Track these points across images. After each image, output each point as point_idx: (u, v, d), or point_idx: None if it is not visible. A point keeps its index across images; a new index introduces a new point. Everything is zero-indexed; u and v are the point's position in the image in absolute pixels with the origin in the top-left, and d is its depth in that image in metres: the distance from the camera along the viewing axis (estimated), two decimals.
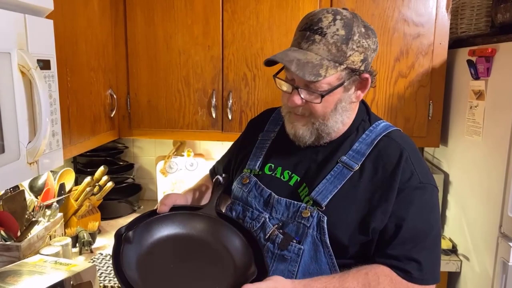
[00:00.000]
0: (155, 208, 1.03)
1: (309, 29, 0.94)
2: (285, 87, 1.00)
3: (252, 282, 0.84)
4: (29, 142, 1.06)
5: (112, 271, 1.56)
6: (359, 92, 1.01)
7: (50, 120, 1.14)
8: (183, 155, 2.24)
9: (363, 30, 0.95)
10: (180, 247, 0.95)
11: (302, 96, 0.96)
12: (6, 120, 0.97)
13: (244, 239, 0.96)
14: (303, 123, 1.00)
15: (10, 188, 1.55)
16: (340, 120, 1.01)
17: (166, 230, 0.96)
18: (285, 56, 0.93)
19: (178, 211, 1.00)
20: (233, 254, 0.94)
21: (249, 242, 0.95)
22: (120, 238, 0.89)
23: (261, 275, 0.87)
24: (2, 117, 0.95)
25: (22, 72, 1.02)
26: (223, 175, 1.13)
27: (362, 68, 0.97)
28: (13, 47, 0.99)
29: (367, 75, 0.98)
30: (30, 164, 1.07)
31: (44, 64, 1.12)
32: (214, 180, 1.12)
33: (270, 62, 0.98)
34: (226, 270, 0.90)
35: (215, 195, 1.06)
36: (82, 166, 2.16)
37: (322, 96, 0.95)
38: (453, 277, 1.80)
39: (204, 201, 1.21)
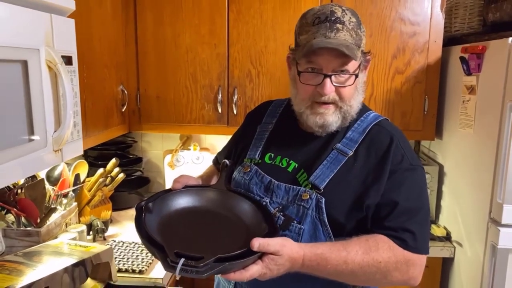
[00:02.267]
0: (169, 188, 1.13)
1: (327, 21, 1.03)
2: (313, 78, 1.06)
3: (264, 236, 0.92)
4: (55, 131, 1.15)
5: (125, 256, 1.66)
6: (364, 71, 1.12)
7: (73, 112, 1.24)
8: (189, 149, 2.34)
9: (359, 18, 1.08)
10: (195, 217, 1.04)
11: (334, 82, 1.04)
12: (35, 111, 1.06)
13: (252, 205, 1.06)
14: (332, 110, 1.08)
15: (29, 177, 1.65)
16: (359, 100, 1.11)
17: (181, 203, 1.06)
18: (327, 43, 1.00)
19: (191, 188, 1.10)
20: (243, 218, 1.04)
21: (257, 208, 1.05)
22: (141, 209, 0.98)
23: (273, 233, 0.96)
24: (32, 108, 1.05)
25: (49, 67, 1.11)
26: (229, 160, 1.23)
27: (366, 50, 1.10)
28: (41, 44, 1.09)
29: (369, 56, 1.11)
30: (56, 151, 1.17)
31: (67, 60, 1.21)
32: (221, 163, 1.21)
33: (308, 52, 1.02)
34: (239, 231, 1.00)
35: (223, 174, 1.16)
36: (93, 159, 2.25)
37: (356, 76, 1.05)
38: (447, 262, 1.90)
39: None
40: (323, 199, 1.04)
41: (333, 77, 1.04)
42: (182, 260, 0.81)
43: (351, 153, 1.08)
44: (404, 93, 1.97)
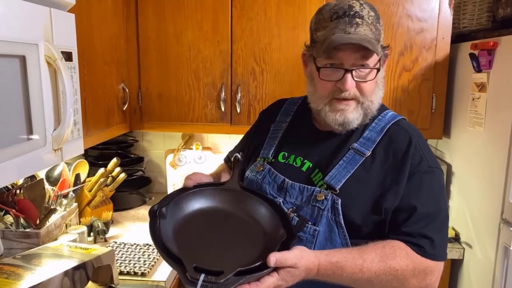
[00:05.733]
0: (181, 187, 1.08)
1: (346, 16, 0.98)
2: (334, 74, 1.01)
3: (281, 244, 0.89)
4: (54, 130, 1.11)
5: (127, 258, 1.61)
6: (384, 66, 1.08)
7: (73, 110, 1.20)
8: (191, 149, 2.30)
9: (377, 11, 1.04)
10: (210, 220, 1.00)
11: (355, 77, 1.00)
12: (34, 108, 1.02)
13: (269, 207, 1.01)
14: (353, 107, 1.03)
15: (28, 177, 1.61)
16: (380, 96, 1.07)
17: (195, 205, 1.01)
18: (349, 38, 0.96)
19: (204, 188, 1.06)
20: (260, 221, 0.99)
21: (274, 210, 1.00)
22: (154, 214, 0.94)
23: (290, 239, 0.92)
24: (31, 106, 1.01)
25: (48, 63, 1.07)
26: (240, 152, 1.19)
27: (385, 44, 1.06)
28: (40, 39, 1.04)
29: (388, 51, 1.07)
30: (55, 150, 1.12)
31: (67, 56, 1.17)
32: (233, 157, 1.16)
33: (330, 48, 0.98)
34: (257, 236, 0.96)
35: (236, 170, 1.11)
36: (94, 159, 2.21)
37: (378, 70, 1.01)
38: (456, 264, 1.86)
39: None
40: (339, 200, 1.00)
41: (354, 72, 1.00)
42: (203, 276, 0.78)
43: (368, 153, 1.04)
44: (411, 91, 1.93)
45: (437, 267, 0.98)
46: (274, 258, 0.83)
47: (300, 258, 0.87)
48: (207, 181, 1.10)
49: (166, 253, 0.85)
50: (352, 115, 1.03)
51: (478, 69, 1.66)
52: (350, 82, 0.99)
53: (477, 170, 1.71)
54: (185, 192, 1.03)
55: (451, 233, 1.85)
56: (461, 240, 1.84)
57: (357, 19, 0.98)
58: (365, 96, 1.03)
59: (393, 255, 0.94)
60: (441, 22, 1.88)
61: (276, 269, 0.85)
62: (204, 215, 1.00)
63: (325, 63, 1.02)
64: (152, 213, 0.95)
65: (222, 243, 0.94)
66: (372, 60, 1.01)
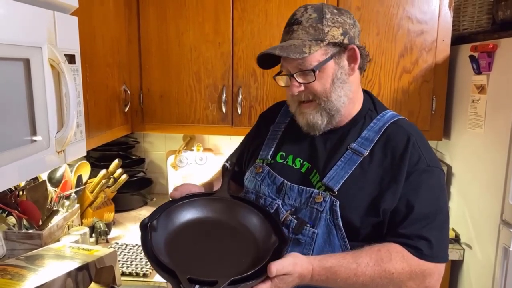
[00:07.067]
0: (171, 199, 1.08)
1: (288, 25, 1.05)
2: (284, 81, 1.08)
3: (274, 251, 0.89)
4: (57, 132, 1.12)
5: (129, 259, 1.62)
6: (352, 64, 1.06)
7: (76, 112, 1.21)
8: (192, 150, 2.31)
9: (335, 10, 1.04)
10: (201, 230, 1.00)
11: (298, 80, 1.03)
12: (38, 111, 1.03)
13: (260, 214, 1.01)
14: (311, 109, 1.06)
15: (30, 179, 1.62)
16: (343, 94, 1.05)
17: (186, 216, 1.01)
18: (270, 48, 1.02)
19: (194, 198, 1.06)
20: (252, 229, 0.99)
21: (265, 217, 1.01)
22: (145, 227, 0.94)
23: (283, 244, 0.92)
24: (35, 108, 1.02)
25: (51, 66, 1.08)
26: (229, 162, 1.19)
27: (346, 41, 1.03)
28: (44, 41, 1.05)
29: (353, 46, 1.05)
30: (59, 152, 1.13)
31: (70, 59, 1.18)
32: (222, 166, 1.17)
33: (260, 61, 1.07)
34: (248, 244, 0.96)
35: (225, 180, 1.11)
36: (95, 160, 2.22)
37: (314, 71, 1.01)
38: (456, 265, 1.86)
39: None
40: (338, 202, 1.01)
41: (297, 75, 1.03)
42: (197, 287, 0.79)
43: (366, 152, 1.04)
44: (412, 92, 1.94)
45: (437, 269, 0.97)
46: (274, 268, 0.83)
47: (294, 265, 0.87)
48: (197, 192, 1.10)
49: (160, 266, 0.85)
50: (313, 117, 1.06)
51: (478, 71, 1.67)
52: (293, 86, 1.04)
53: (477, 172, 1.72)
54: (175, 203, 1.03)
55: (451, 234, 1.86)
56: (461, 241, 1.85)
57: (294, 26, 1.03)
58: (319, 97, 1.05)
59: (388, 258, 0.94)
60: (441, 24, 1.89)
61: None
62: (195, 226, 1.01)
63: (280, 70, 1.08)
64: (143, 227, 0.96)
65: (214, 253, 0.94)
66: (309, 62, 1.01)
